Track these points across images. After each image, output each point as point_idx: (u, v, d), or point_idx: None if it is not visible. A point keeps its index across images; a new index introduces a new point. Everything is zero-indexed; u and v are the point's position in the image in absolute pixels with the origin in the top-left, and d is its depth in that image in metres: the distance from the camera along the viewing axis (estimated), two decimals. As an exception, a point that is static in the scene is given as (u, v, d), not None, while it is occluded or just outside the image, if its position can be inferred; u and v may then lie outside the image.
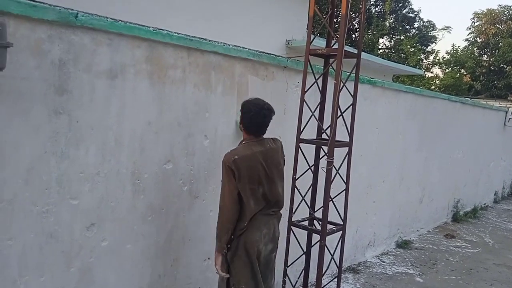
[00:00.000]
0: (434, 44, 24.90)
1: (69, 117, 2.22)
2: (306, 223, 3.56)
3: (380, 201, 5.37)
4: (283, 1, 8.10)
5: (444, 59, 22.58)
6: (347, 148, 3.43)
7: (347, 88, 3.44)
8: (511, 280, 4.97)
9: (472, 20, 24.21)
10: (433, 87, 19.56)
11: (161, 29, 2.64)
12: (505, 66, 21.69)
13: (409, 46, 20.76)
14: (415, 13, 25.11)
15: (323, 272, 3.23)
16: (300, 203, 3.45)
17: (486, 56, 22.92)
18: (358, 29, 24.22)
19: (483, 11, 23.63)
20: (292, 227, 3.38)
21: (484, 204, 9.23)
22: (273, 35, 7.89)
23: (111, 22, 2.37)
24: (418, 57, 20.59)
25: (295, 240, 3.44)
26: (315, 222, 3.59)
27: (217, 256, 2.53)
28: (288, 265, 3.42)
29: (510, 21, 22.63)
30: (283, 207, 2.76)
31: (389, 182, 5.52)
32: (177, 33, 2.75)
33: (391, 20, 24.31)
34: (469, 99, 9.08)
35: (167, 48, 2.69)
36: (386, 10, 22.53)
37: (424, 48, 24.28)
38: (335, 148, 3.33)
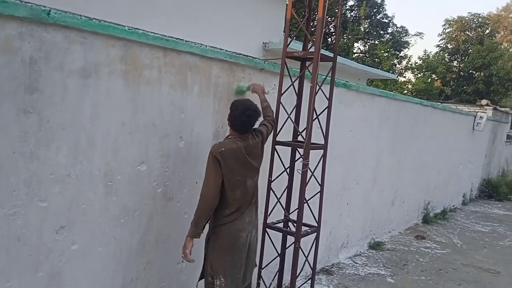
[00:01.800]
0: (407, 49, 25.52)
1: (39, 117, 2.15)
2: (281, 225, 3.57)
3: (354, 203, 5.45)
4: (261, 4, 8.13)
5: (416, 64, 23.17)
6: (322, 150, 3.45)
7: (322, 91, 3.48)
8: (478, 280, 5.14)
9: (444, 27, 24.99)
10: (405, 91, 20.01)
11: (136, 29, 2.60)
12: (474, 72, 22.45)
13: (383, 51, 21.19)
14: (389, 18, 25.68)
15: (297, 274, 3.24)
16: (275, 205, 3.46)
17: (456, 62, 23.65)
18: (334, 33, 24.57)
19: (454, 18, 24.41)
20: (267, 229, 3.39)
21: (453, 206, 9.52)
22: (251, 37, 7.90)
23: (85, 20, 2.31)
24: (392, 62, 21.03)
25: (270, 242, 3.45)
26: (290, 224, 3.61)
27: (189, 241, 2.62)
28: (262, 267, 3.42)
29: (479, 29, 23.47)
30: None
31: (363, 184, 5.61)
32: (154, 33, 2.71)
33: (366, 25, 24.75)
34: (439, 103, 9.33)
35: (143, 48, 2.65)
36: (361, 15, 22.92)
37: (397, 53, 24.83)
38: (310, 150, 3.37)
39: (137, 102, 2.66)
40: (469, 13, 25.02)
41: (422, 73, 22.58)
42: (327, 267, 4.97)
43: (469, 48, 22.75)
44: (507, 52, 23.12)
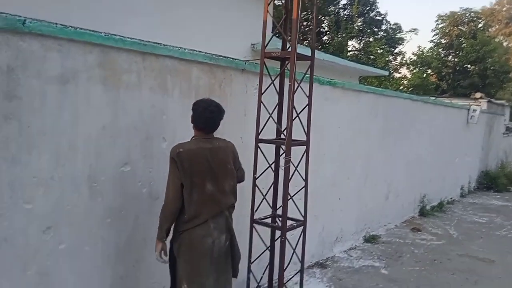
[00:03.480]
0: (401, 45, 25.62)
1: (19, 123, 2.25)
2: (269, 220, 3.65)
3: (346, 198, 5.52)
4: (249, 6, 8.23)
5: (411, 60, 23.26)
6: (305, 146, 3.53)
7: (302, 90, 3.56)
8: (472, 269, 5.18)
9: (436, 22, 25.09)
10: (401, 87, 20.09)
11: (113, 35, 2.69)
12: (469, 66, 22.52)
13: (377, 48, 21.28)
14: (382, 16, 25.79)
15: (285, 267, 3.31)
16: (261, 201, 3.53)
17: (451, 56, 23.73)
18: (327, 32, 24.72)
19: (446, 14, 24.52)
20: (254, 224, 3.46)
21: (451, 198, 9.56)
22: (240, 39, 8.00)
23: (61, 28, 2.41)
24: (386, 59, 21.11)
25: (258, 237, 3.52)
26: (277, 219, 3.68)
27: (157, 243, 2.64)
28: (252, 261, 3.49)
29: (472, 23, 23.56)
30: (236, 200, 2.86)
31: (354, 180, 5.68)
32: (131, 38, 2.81)
33: (360, 23, 24.86)
34: (430, 98, 9.40)
35: (121, 53, 2.74)
36: (354, 13, 23.03)
37: (392, 49, 24.93)
38: (294, 147, 3.45)
39: (117, 106, 2.75)
40: (461, 8, 25.18)
41: (417, 69, 22.65)
42: (321, 261, 5.03)
43: (463, 42, 22.83)
44: (500, 45, 23.19)
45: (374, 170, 6.16)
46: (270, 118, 3.48)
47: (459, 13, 23.87)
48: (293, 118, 3.42)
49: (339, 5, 26.20)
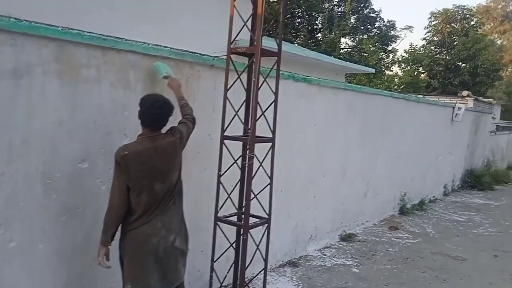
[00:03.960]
0: (395, 43, 25.63)
1: (-34, 117, 2.21)
2: (235, 218, 3.64)
3: (322, 195, 5.52)
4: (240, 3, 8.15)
5: (403, 57, 23.28)
6: (271, 143, 3.52)
7: (269, 86, 3.53)
8: (443, 267, 5.23)
9: (429, 19, 25.10)
10: (392, 85, 20.13)
11: (71, 29, 2.65)
12: (460, 64, 22.58)
13: (370, 46, 21.27)
14: (376, 13, 25.75)
15: (247, 265, 3.31)
16: (226, 199, 3.52)
17: (442, 54, 23.77)
18: (321, 29, 24.64)
19: (439, 11, 24.53)
20: (218, 222, 3.45)
21: (433, 197, 9.62)
22: (221, 35, 7.91)
23: (14, 22, 2.36)
24: (379, 56, 21.11)
25: (225, 236, 3.52)
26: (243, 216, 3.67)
27: (101, 248, 2.57)
28: (215, 260, 3.49)
29: (464, 20, 23.59)
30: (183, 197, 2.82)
31: (330, 177, 5.68)
32: (90, 32, 2.77)
33: (353, 21, 24.82)
34: (413, 96, 9.41)
35: (79, 48, 2.70)
36: (347, 10, 22.98)
37: (385, 47, 24.92)
38: (263, 144, 3.45)
39: (75, 100, 2.71)
40: (453, 5, 25.13)
41: (408, 67, 22.69)
42: (294, 259, 5.04)
43: (455, 40, 22.88)
44: (492, 43, 23.25)
45: (352, 168, 6.17)
46: (233, 115, 3.44)
47: (452, 10, 23.88)
48: (260, 115, 3.42)
49: (333, 2, 26.18)
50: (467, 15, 23.95)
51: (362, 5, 25.74)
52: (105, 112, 2.90)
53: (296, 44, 18.97)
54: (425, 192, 9.07)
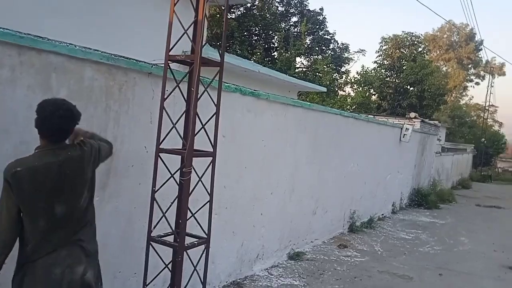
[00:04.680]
0: (348, 65, 26.45)
1: None
2: (172, 237, 3.36)
3: (269, 213, 5.35)
4: (183, 12, 7.99)
5: (355, 78, 24.04)
6: (211, 158, 3.31)
7: (211, 97, 3.35)
8: (390, 286, 5.18)
9: (380, 44, 26.18)
10: (344, 105, 20.63)
11: (-20, 23, 2.35)
12: (408, 87, 23.62)
13: (324, 66, 21.77)
14: (331, 35, 26.54)
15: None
16: (161, 217, 3.24)
17: (392, 77, 24.79)
18: (277, 48, 25.00)
19: (389, 36, 25.68)
20: (152, 242, 3.17)
21: (382, 214, 9.74)
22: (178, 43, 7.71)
23: None
24: (332, 77, 21.64)
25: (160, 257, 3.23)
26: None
27: None
28: (147, 283, 3.19)
29: (412, 47, 24.81)
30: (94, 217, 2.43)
31: (278, 194, 5.53)
32: (4, 28, 2.47)
33: (308, 42, 25.41)
34: (363, 115, 9.59)
35: (-11, 45, 2.40)
36: (303, 30, 23.51)
37: (339, 68, 25.64)
38: (206, 158, 3.24)
39: (-19, 104, 2.39)
40: (403, 31, 26.45)
41: (360, 88, 23.43)
42: (239, 280, 4.80)
43: (404, 64, 23.95)
44: (437, 69, 24.54)
45: (301, 185, 6.07)
46: (171, 127, 3.21)
47: (401, 36, 25.07)
48: (201, 127, 3.22)
49: (290, 22, 26.75)
50: (415, 42, 25.22)
51: (317, 26, 26.51)
52: (20, 119, 2.58)
53: (252, 61, 19.06)
54: (374, 210, 9.16)
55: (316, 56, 25.86)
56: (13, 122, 2.55)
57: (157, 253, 3.21)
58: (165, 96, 3.17)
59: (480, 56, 42.72)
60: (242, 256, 4.91)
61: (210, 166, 3.31)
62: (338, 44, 26.87)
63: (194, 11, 3.31)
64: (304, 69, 25.19)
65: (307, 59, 26.76)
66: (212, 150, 3.31)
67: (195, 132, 3.19)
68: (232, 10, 21.74)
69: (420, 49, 25.52)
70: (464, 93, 44.86)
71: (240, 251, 4.86)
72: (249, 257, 5.05)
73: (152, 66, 3.44)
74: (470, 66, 43.90)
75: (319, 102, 18.55)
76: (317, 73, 22.57)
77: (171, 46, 3.17)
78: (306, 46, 25.02)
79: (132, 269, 3.43)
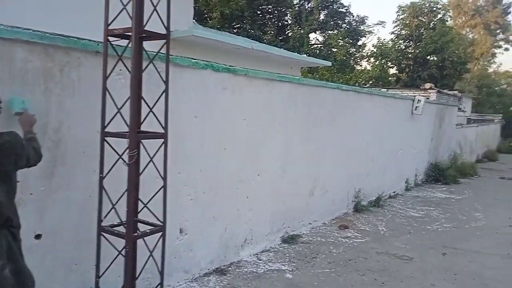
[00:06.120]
0: (365, 38, 25.51)
1: None
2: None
3: (257, 196, 5.09)
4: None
5: (372, 52, 23.16)
6: (163, 139, 3.06)
7: (159, 74, 3.08)
8: (385, 268, 4.86)
9: (397, 13, 25.04)
10: (360, 79, 19.92)
11: None
12: (428, 58, 22.56)
13: (338, 40, 21.05)
14: (346, 8, 25.59)
15: (135, 279, 2.85)
16: (113, 206, 3.04)
17: (410, 48, 23.74)
18: (290, 25, 24.32)
19: (406, 4, 24.50)
20: (103, 233, 2.98)
21: (394, 192, 9.31)
22: (158, 25, 7.43)
23: None
24: (347, 51, 20.92)
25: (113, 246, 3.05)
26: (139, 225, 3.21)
27: None
28: (100, 276, 3.01)
29: (431, 13, 23.58)
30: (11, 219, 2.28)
31: (267, 176, 5.25)
32: None
33: (322, 17, 24.59)
34: (364, 88, 9.10)
35: None
36: (315, 5, 22.74)
37: (355, 42, 24.77)
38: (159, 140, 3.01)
39: None
40: (422, -2, 25.16)
41: (377, 61, 22.56)
42: (223, 267, 4.59)
43: (422, 33, 22.85)
44: (458, 36, 23.30)
45: (295, 165, 5.76)
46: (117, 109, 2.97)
47: (419, 4, 23.86)
48: (151, 107, 2.97)
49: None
50: (434, 8, 23.96)
51: (331, 0, 25.58)
52: None
53: (265, 41, 18.57)
54: (384, 188, 8.74)
55: (331, 31, 25.05)
56: None
57: (110, 242, 3.03)
58: (107, 75, 2.92)
59: (508, 20, 40.39)
60: (226, 241, 4.69)
61: (163, 149, 3.06)
62: (354, 17, 25.95)
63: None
64: (319, 45, 24.48)
65: (322, 35, 25.99)
66: (164, 131, 3.05)
67: (146, 115, 2.96)
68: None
69: (439, 16, 24.24)
70: (492, 61, 42.67)
71: (223, 236, 4.65)
72: (234, 243, 4.83)
73: (98, 44, 3.18)
74: (498, 31, 41.59)
75: (329, 78, 17.90)
76: (331, 49, 21.87)
77: (110, 20, 2.90)
78: (320, 21, 24.26)
79: (91, 261, 3.24)
